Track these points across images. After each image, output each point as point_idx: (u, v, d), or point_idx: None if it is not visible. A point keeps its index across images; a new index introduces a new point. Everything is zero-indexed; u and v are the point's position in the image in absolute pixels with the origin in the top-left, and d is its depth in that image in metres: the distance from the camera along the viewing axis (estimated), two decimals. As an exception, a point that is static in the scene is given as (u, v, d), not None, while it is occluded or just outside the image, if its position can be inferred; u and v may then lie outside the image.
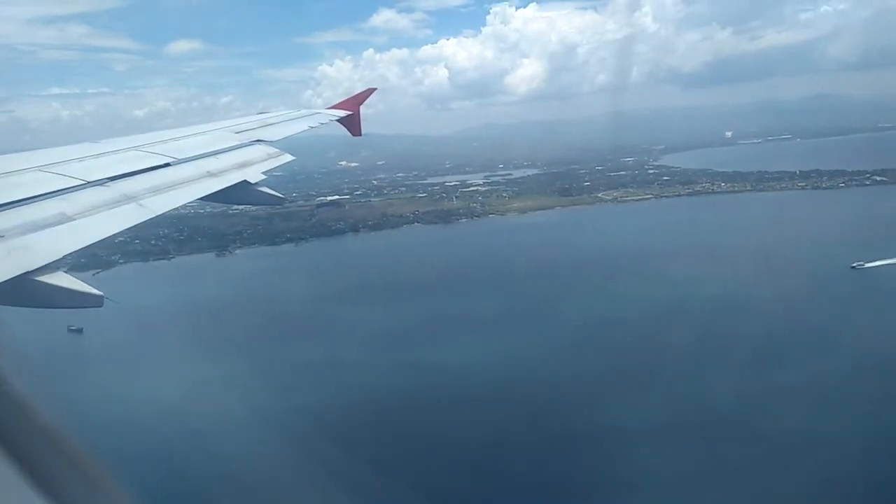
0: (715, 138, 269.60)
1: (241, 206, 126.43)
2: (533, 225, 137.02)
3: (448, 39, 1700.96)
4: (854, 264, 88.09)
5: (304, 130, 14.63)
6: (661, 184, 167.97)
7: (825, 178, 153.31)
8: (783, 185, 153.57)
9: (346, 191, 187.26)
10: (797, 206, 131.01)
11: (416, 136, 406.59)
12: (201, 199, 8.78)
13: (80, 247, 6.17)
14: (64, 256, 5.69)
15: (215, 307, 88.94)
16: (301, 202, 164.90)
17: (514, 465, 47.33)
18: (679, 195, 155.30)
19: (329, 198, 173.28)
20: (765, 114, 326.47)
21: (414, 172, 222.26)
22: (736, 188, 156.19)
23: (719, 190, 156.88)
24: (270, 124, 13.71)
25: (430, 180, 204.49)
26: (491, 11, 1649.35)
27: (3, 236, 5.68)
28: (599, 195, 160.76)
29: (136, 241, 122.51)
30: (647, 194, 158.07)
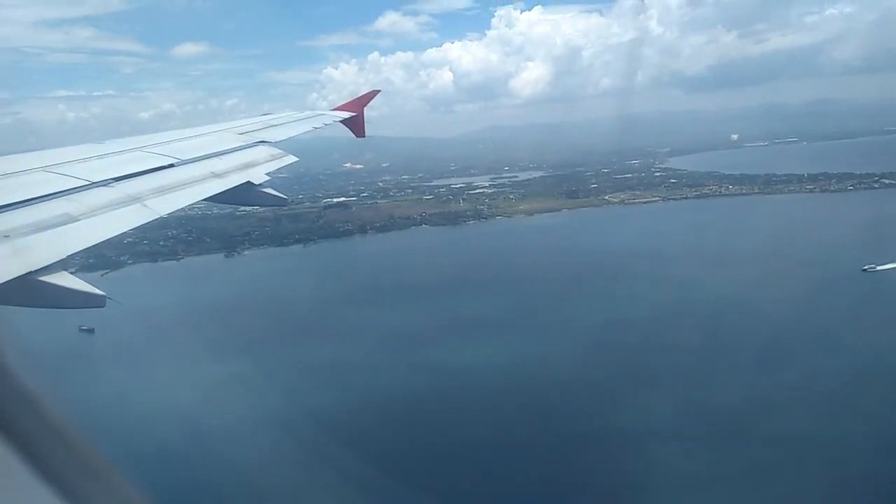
0: (720, 141, 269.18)
1: (247, 208, 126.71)
2: (541, 227, 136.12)
3: (453, 43, 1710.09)
4: (865, 267, 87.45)
5: (308, 131, 14.52)
6: (669, 186, 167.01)
7: (833, 181, 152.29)
8: (791, 188, 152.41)
9: (351, 193, 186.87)
10: (806, 209, 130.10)
11: (421, 138, 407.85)
12: (205, 199, 8.63)
13: (84, 247, 6.10)
14: (68, 256, 5.62)
15: (227, 308, 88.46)
16: (307, 204, 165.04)
17: (533, 467, 46.75)
18: (687, 198, 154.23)
19: (335, 199, 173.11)
20: (770, 117, 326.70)
21: (419, 174, 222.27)
22: (744, 191, 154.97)
23: (727, 193, 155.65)
24: (274, 125, 13.63)
25: (435, 182, 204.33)
26: (496, 14, 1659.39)
27: (7, 236, 5.64)
28: (606, 197, 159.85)
29: (145, 241, 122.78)
30: (654, 197, 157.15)
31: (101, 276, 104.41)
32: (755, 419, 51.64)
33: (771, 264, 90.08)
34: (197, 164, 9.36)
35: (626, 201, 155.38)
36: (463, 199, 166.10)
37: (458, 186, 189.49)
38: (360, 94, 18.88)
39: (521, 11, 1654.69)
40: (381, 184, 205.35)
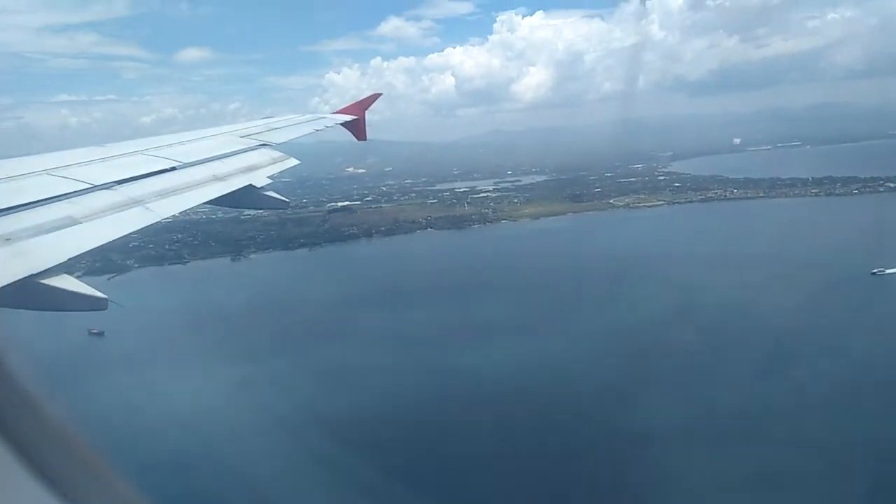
0: (723, 145, 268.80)
1: (252, 212, 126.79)
2: (548, 231, 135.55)
3: (455, 48, 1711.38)
4: (874, 270, 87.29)
5: (310, 133, 14.54)
6: (673, 190, 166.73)
7: (838, 184, 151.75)
8: (796, 192, 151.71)
9: (355, 197, 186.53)
10: (813, 212, 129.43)
11: (423, 142, 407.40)
12: (208, 202, 8.65)
13: (86, 249, 6.11)
14: (70, 259, 5.63)
15: (237, 311, 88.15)
16: (312, 208, 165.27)
17: (558, 471, 46.57)
18: (692, 202, 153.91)
19: (340, 203, 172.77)
20: (772, 121, 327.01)
21: (422, 179, 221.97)
22: (749, 195, 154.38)
23: (732, 196, 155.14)
24: (276, 128, 13.57)
25: (439, 186, 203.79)
26: (498, 20, 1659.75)
27: (9, 239, 5.62)
28: (611, 201, 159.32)
29: (150, 245, 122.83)
30: (659, 201, 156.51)
31: (108, 279, 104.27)
32: (771, 421, 51.44)
33: (780, 268, 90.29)
34: (199, 167, 9.38)
35: (631, 205, 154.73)
36: (467, 203, 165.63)
37: (461, 190, 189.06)
38: (361, 98, 18.93)
39: (523, 17, 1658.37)
40: (384, 188, 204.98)
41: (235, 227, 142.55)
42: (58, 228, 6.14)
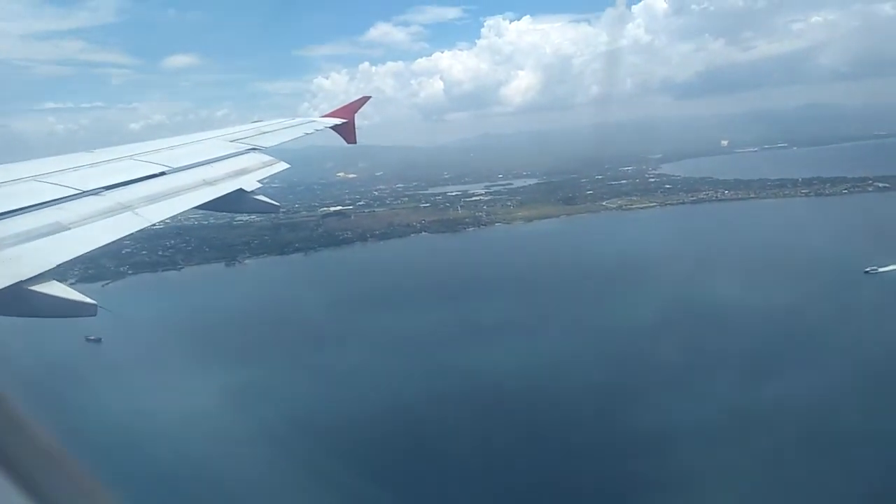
0: (711, 147, 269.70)
1: (244, 217, 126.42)
2: (543, 233, 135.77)
3: (443, 52, 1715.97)
4: (867, 269, 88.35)
5: (300, 137, 14.40)
6: (664, 192, 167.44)
7: (828, 185, 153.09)
8: (786, 193, 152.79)
9: (347, 201, 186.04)
10: (803, 212, 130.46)
11: (413, 147, 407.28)
12: (197, 207, 8.57)
13: (75, 256, 6.02)
14: (59, 265, 5.57)
15: (235, 317, 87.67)
16: (304, 213, 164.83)
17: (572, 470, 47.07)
18: (683, 203, 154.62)
19: (332, 208, 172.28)
20: (759, 123, 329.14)
21: (414, 183, 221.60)
22: (740, 196, 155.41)
23: (723, 198, 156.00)
24: (265, 132, 13.46)
25: (430, 190, 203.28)
26: (485, 24, 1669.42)
27: None
28: (603, 203, 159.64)
29: (143, 252, 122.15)
30: (651, 202, 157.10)
31: (102, 286, 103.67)
32: (770, 419, 52.00)
33: (775, 267, 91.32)
34: (188, 171, 9.33)
35: (624, 207, 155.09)
36: (460, 207, 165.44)
37: (453, 194, 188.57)
38: (349, 102, 18.79)
39: (511, 21, 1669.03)
40: (376, 192, 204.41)
41: (229, 232, 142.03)
42: (46, 234, 6.09)
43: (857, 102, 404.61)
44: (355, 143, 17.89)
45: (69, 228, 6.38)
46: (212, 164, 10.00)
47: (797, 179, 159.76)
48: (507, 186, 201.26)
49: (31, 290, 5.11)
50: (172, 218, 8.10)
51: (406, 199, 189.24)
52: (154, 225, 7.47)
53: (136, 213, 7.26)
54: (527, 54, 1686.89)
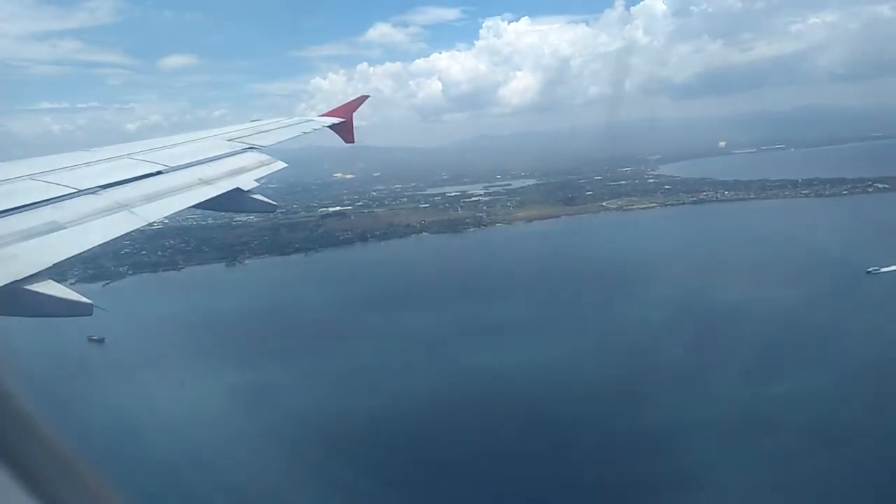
0: (709, 148, 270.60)
1: (243, 217, 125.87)
2: (545, 233, 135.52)
3: (440, 53, 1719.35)
4: (870, 269, 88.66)
5: (297, 136, 14.29)
6: (664, 192, 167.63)
7: (827, 185, 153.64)
8: (786, 193, 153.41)
9: (346, 202, 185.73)
10: (804, 213, 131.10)
11: (411, 147, 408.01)
12: (194, 206, 8.48)
13: (71, 255, 5.94)
14: (54, 264, 5.52)
15: (238, 317, 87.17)
16: (303, 213, 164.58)
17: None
18: (684, 203, 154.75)
19: (331, 208, 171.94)
20: (756, 124, 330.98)
21: (412, 183, 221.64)
22: (740, 196, 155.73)
23: (724, 198, 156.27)
24: (263, 131, 13.33)
25: (429, 191, 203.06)
26: (484, 25, 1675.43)
27: None
28: (603, 204, 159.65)
29: (143, 252, 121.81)
30: (651, 203, 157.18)
31: (103, 286, 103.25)
32: (779, 416, 52.17)
33: (779, 267, 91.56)
34: (185, 170, 9.24)
35: (624, 207, 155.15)
36: (460, 207, 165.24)
37: (452, 195, 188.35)
38: (348, 101, 18.68)
39: (509, 22, 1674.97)
40: (374, 193, 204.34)
41: (228, 232, 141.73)
42: (42, 233, 6.01)
43: (854, 104, 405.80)
44: (353, 142, 17.77)
45: (65, 227, 6.30)
46: (209, 164, 9.92)
47: (797, 180, 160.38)
48: (505, 187, 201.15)
49: (28, 290, 5.07)
50: (170, 217, 8.02)
51: (405, 199, 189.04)
52: (151, 224, 7.42)
53: (133, 212, 7.21)
54: (525, 55, 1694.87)
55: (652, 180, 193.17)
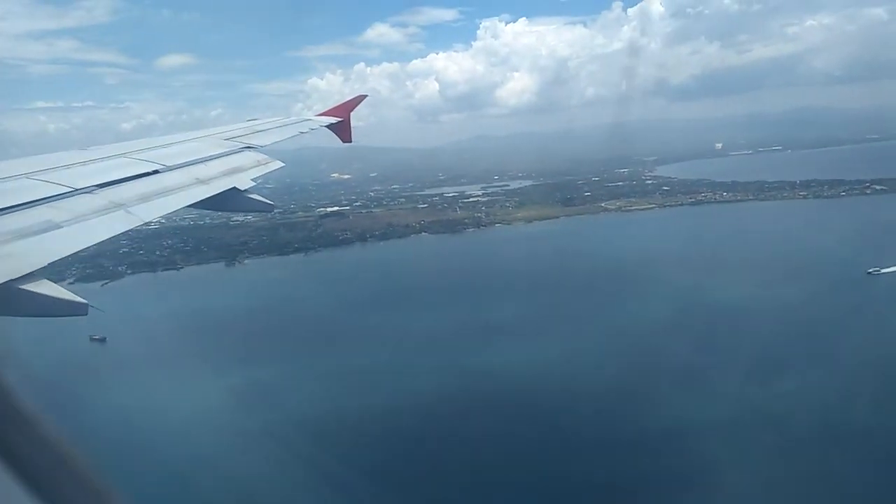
0: (705, 150, 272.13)
1: (241, 217, 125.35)
2: (545, 234, 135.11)
3: (438, 54, 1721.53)
4: (870, 270, 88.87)
5: (295, 136, 14.28)
6: (663, 194, 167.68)
7: (825, 187, 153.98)
8: (785, 195, 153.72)
9: (344, 202, 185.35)
10: (803, 214, 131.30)
11: (408, 148, 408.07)
12: (191, 206, 8.50)
13: (67, 254, 5.97)
14: (50, 263, 5.56)
15: (239, 316, 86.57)
16: (301, 213, 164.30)
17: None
18: (682, 204, 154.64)
19: (329, 209, 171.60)
20: (753, 126, 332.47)
21: (409, 184, 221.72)
22: (739, 198, 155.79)
23: (722, 199, 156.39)
24: (260, 131, 13.34)
25: (427, 191, 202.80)
26: (481, 26, 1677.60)
27: None
28: (602, 205, 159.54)
29: (141, 251, 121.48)
30: (650, 204, 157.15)
31: (101, 286, 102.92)
32: (784, 415, 52.24)
33: (780, 268, 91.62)
34: (182, 170, 9.22)
35: (623, 208, 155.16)
36: (459, 208, 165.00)
37: (450, 195, 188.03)
38: (345, 100, 18.68)
39: (507, 23, 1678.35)
40: (372, 193, 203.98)
41: (226, 232, 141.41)
42: (38, 233, 6.00)
43: (851, 106, 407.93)
44: (351, 141, 17.70)
45: (61, 227, 6.28)
46: (205, 163, 9.88)
47: (795, 182, 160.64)
48: (503, 188, 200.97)
49: (23, 289, 5.05)
50: (167, 217, 8.04)
51: (403, 199, 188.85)
52: (148, 224, 7.42)
53: (129, 212, 7.19)
54: (522, 56, 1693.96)
55: (650, 181, 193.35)
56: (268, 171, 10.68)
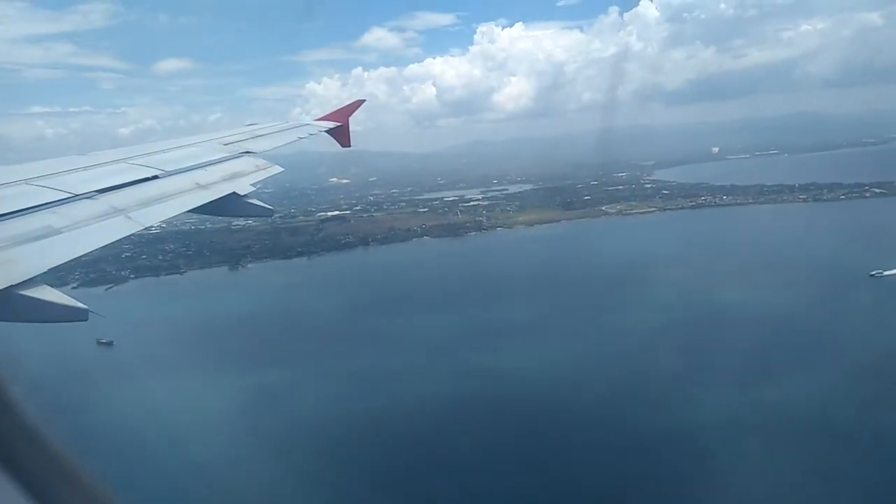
0: (702, 154, 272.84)
1: (242, 221, 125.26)
2: (548, 237, 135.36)
3: (435, 58, 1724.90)
4: (873, 272, 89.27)
5: (294, 141, 14.23)
6: (663, 197, 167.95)
7: (825, 190, 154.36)
8: (784, 198, 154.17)
9: (344, 206, 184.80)
10: (805, 217, 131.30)
11: (405, 153, 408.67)
12: (190, 211, 8.46)
13: (66, 260, 5.96)
14: (50, 269, 5.54)
15: (246, 320, 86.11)
16: (301, 217, 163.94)
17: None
18: (683, 208, 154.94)
19: (330, 213, 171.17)
20: (749, 130, 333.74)
21: (409, 188, 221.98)
22: (738, 201, 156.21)
23: (722, 203, 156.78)
24: (259, 136, 13.32)
25: (426, 196, 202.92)
26: (478, 31, 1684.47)
27: None
28: (603, 208, 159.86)
29: (143, 256, 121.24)
30: (650, 207, 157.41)
31: (106, 290, 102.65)
32: (789, 413, 52.81)
33: (783, 270, 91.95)
34: (181, 175, 9.20)
35: (624, 212, 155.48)
36: (460, 212, 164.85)
37: (450, 199, 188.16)
38: (344, 105, 18.65)
39: (503, 28, 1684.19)
40: (371, 197, 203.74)
41: (228, 236, 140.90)
42: (37, 238, 5.98)
43: (846, 110, 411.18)
44: (350, 146, 17.63)
45: (61, 232, 6.26)
46: (205, 168, 9.87)
47: (794, 185, 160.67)
48: (503, 192, 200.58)
49: (23, 295, 5.03)
50: (166, 221, 8.02)
51: (403, 203, 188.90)
52: (148, 229, 7.40)
53: (129, 217, 7.15)
54: (519, 61, 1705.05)
55: (648, 185, 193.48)
56: (267, 176, 10.66)
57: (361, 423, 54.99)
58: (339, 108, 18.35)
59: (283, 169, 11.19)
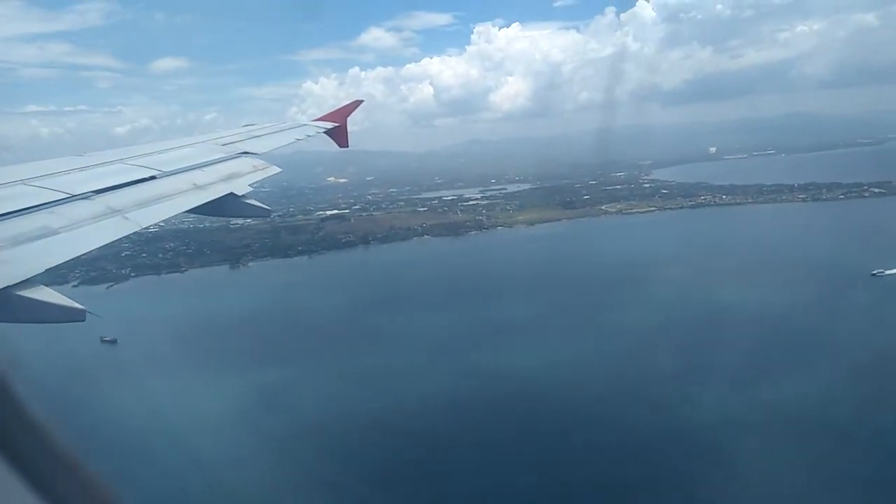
0: (700, 154, 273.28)
1: (241, 221, 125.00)
2: (548, 236, 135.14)
3: (432, 58, 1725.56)
4: (874, 272, 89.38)
5: (292, 142, 14.22)
6: (662, 197, 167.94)
7: (824, 190, 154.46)
8: (784, 198, 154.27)
9: (343, 205, 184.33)
10: (805, 217, 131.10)
11: (402, 152, 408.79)
12: (188, 211, 8.49)
13: (64, 260, 5.97)
14: (47, 270, 5.55)
15: (245, 318, 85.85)
16: (300, 217, 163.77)
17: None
18: (682, 207, 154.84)
19: (329, 212, 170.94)
20: (745, 130, 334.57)
21: (407, 188, 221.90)
22: (738, 200, 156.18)
23: (721, 202, 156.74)
24: (257, 136, 13.33)
25: (424, 195, 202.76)
26: (475, 31, 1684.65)
27: None
28: (602, 208, 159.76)
29: (143, 254, 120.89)
30: (649, 207, 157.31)
31: (107, 288, 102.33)
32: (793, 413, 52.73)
33: (785, 269, 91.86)
34: (179, 175, 9.21)
35: (624, 211, 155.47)
36: (459, 211, 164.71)
37: (449, 198, 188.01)
38: (342, 105, 18.58)
39: (500, 28, 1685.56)
40: (370, 196, 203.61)
41: (227, 235, 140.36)
42: (35, 239, 5.97)
43: (841, 111, 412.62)
44: (347, 146, 17.61)
45: (58, 233, 6.25)
46: (203, 169, 9.87)
47: (793, 185, 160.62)
48: (501, 191, 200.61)
49: (20, 296, 5.03)
50: (164, 222, 8.05)
51: (401, 203, 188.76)
52: (146, 229, 7.39)
53: (127, 218, 7.15)
54: (516, 61, 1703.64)
55: (647, 185, 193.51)
56: (265, 176, 10.64)
57: (362, 422, 54.74)
58: (337, 108, 18.34)
59: (280, 169, 11.17)
